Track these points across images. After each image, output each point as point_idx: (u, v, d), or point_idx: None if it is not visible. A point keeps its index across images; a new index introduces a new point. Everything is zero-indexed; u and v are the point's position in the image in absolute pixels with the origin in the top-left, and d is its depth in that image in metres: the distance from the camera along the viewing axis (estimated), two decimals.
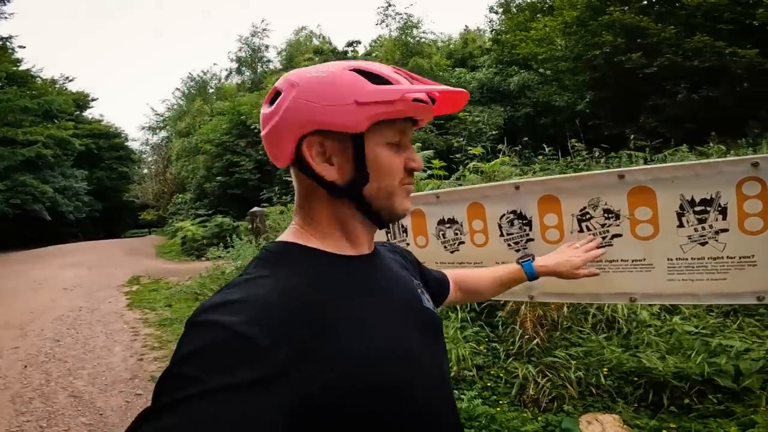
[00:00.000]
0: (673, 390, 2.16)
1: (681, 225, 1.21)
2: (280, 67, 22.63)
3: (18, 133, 17.92)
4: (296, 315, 0.48)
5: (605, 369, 2.33)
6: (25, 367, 4.07)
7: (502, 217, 1.45)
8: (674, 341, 2.37)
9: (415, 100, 0.55)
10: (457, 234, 1.59)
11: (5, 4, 13.86)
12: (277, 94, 0.58)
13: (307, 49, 21.01)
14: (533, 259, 1.09)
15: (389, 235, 1.88)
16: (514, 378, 2.55)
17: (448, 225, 1.62)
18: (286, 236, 0.62)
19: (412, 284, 0.71)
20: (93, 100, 29.33)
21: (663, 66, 9.64)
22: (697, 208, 1.18)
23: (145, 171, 31.73)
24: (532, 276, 1.04)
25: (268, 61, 24.08)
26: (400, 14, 15.16)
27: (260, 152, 13.56)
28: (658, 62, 9.64)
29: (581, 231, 1.32)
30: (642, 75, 9.95)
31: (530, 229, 1.41)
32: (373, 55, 18.05)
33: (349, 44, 21.53)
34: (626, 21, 9.94)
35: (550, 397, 2.37)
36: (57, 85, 25.66)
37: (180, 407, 0.40)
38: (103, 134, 27.76)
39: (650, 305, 2.60)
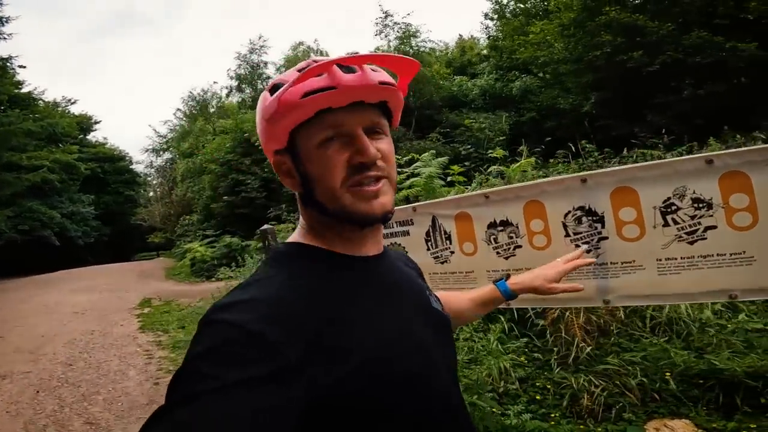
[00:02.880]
0: (747, 390, 1.99)
1: None
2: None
3: (23, 158, 17.74)
4: (307, 311, 0.49)
5: (668, 373, 2.15)
6: (38, 392, 3.92)
7: (567, 214, 1.30)
8: (743, 339, 2.19)
9: (306, 94, 0.51)
10: (512, 237, 1.43)
11: (3, 25, 13.84)
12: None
13: None
14: (507, 277, 0.98)
15: (429, 243, 1.73)
16: (564, 389, 2.37)
17: (500, 228, 1.46)
18: (294, 237, 0.63)
19: (420, 286, 0.71)
20: (96, 122, 29.68)
21: (665, 63, 9.58)
22: None
23: (151, 194, 31.90)
24: (507, 293, 0.94)
25: (268, 77, 24.30)
26: (399, 24, 15.25)
27: (266, 170, 13.50)
28: (659, 60, 9.59)
29: (666, 225, 1.16)
30: (645, 73, 9.87)
31: (603, 227, 1.25)
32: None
33: None
34: (623, 20, 9.90)
35: (606, 407, 2.20)
36: (59, 108, 25.84)
37: (194, 403, 0.39)
38: (108, 158, 27.97)
39: (712, 303, 2.42)
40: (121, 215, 28.25)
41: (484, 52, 17.99)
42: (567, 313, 2.55)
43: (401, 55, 0.57)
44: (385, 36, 15.79)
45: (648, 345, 2.35)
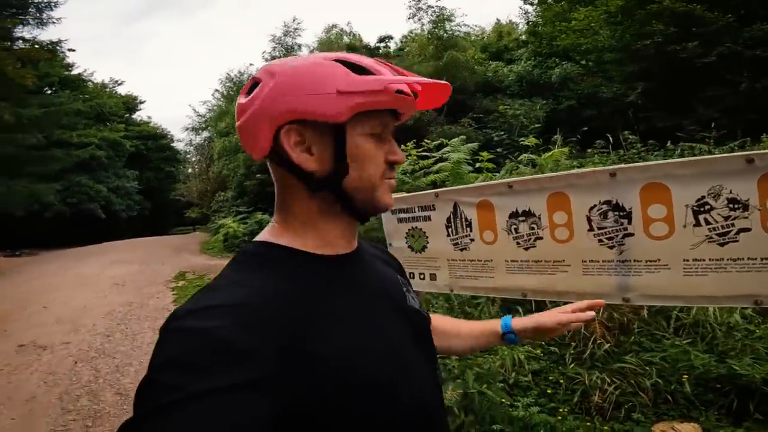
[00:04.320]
0: (763, 397, 1.92)
1: None
2: None
3: (72, 136, 19.17)
4: (278, 317, 0.47)
5: (686, 376, 2.09)
6: (76, 363, 4.13)
7: (592, 208, 1.27)
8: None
9: (398, 91, 0.53)
10: (533, 228, 1.42)
11: (52, 10, 14.34)
12: (256, 83, 0.56)
13: (339, 47, 21.06)
14: (513, 315, 0.90)
15: (450, 230, 1.73)
16: (576, 384, 2.35)
17: (522, 218, 1.44)
18: (264, 236, 0.59)
19: (397, 282, 0.69)
20: (141, 102, 30.97)
21: (722, 55, 8.94)
22: None
23: (190, 170, 33.09)
24: (507, 328, 0.85)
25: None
26: (432, 7, 14.86)
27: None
28: (716, 51, 8.95)
29: (698, 225, 1.12)
30: (699, 65, 9.26)
31: (629, 223, 1.21)
32: (405, 50, 17.83)
33: (381, 40, 21.35)
34: (678, 9, 9.27)
35: (616, 405, 2.17)
36: (107, 89, 27.25)
37: (163, 415, 0.38)
38: (151, 136, 29.22)
39: (742, 307, 2.31)
40: (160, 190, 29.60)
41: (523, 37, 17.29)
42: None
43: (444, 82, 0.60)
44: (419, 19, 15.45)
45: (669, 346, 2.29)
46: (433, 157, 4.56)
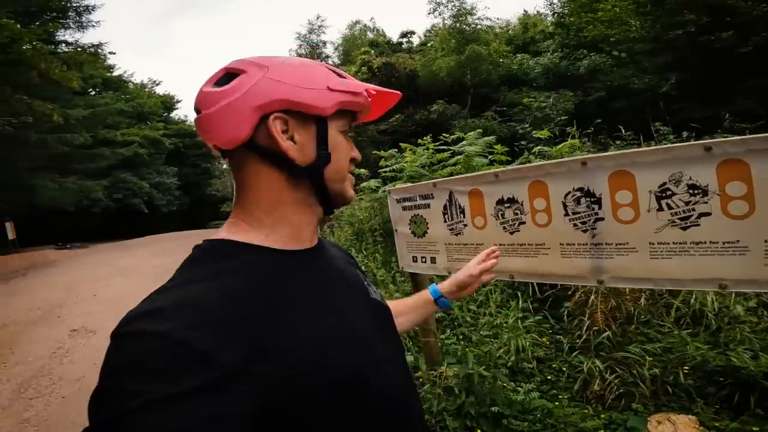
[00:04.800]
0: (764, 392, 1.92)
1: None
2: (339, 62, 23.14)
3: (117, 135, 20.49)
4: (240, 314, 0.46)
5: (686, 367, 2.12)
6: None
7: (567, 195, 1.37)
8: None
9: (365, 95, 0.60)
10: (517, 214, 1.53)
11: (91, 13, 15.16)
12: (232, 74, 0.57)
13: (363, 43, 21.23)
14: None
15: (446, 216, 1.87)
16: (579, 373, 2.41)
17: (507, 205, 1.56)
18: (221, 233, 0.58)
19: (358, 276, 0.71)
20: (178, 101, 32.44)
21: (759, 45, 8.48)
22: None
23: (224, 166, 34.33)
24: (435, 292, 0.96)
25: (327, 57, 24.76)
26: (453, 1, 14.78)
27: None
28: (753, 41, 8.49)
29: (660, 209, 1.20)
30: (736, 55, 8.81)
31: (599, 208, 1.31)
32: (429, 45, 17.78)
33: (403, 35, 21.42)
34: (710, 0, 8.86)
35: (617, 395, 2.22)
36: (146, 89, 28.75)
37: (122, 423, 0.37)
38: (188, 133, 30.52)
39: (745, 298, 2.30)
40: (197, 186, 31.02)
41: (550, 29, 16.88)
42: (592, 298, 2.56)
43: (395, 91, 0.69)
44: (439, 14, 15.42)
45: (671, 337, 2.31)
46: (449, 150, 4.65)
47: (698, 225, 1.17)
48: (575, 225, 1.37)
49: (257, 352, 0.45)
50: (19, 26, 9.03)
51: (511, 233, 1.56)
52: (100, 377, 0.40)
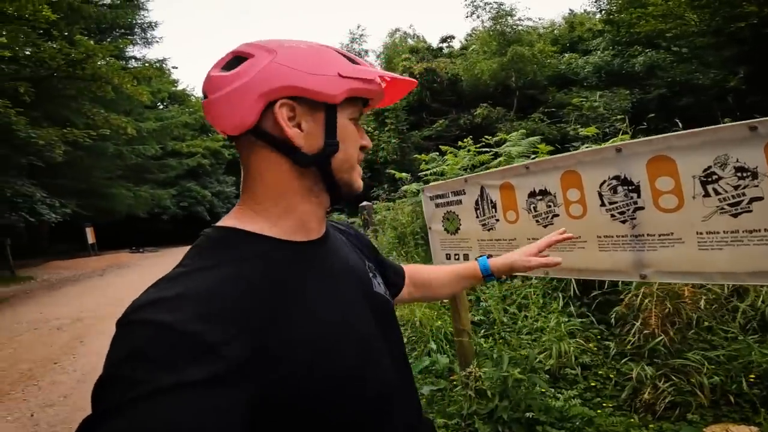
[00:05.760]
0: None
1: None
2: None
3: (183, 146, 22.21)
4: (244, 307, 0.46)
5: (752, 375, 1.91)
6: None
7: (602, 184, 1.31)
8: None
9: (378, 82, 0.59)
10: (550, 206, 1.49)
11: (154, 29, 16.20)
12: (240, 58, 0.55)
13: (403, 50, 21.42)
14: (490, 256, 0.96)
15: (478, 211, 1.84)
16: (628, 380, 2.25)
17: (539, 197, 1.52)
18: (227, 220, 0.57)
19: (364, 267, 0.69)
20: None
21: None
22: None
23: None
24: (485, 269, 0.92)
25: (370, 64, 25.23)
26: (490, 4, 14.55)
27: (370, 152, 14.32)
28: None
29: (707, 195, 1.12)
30: None
31: (638, 196, 1.24)
32: (470, 48, 17.57)
33: (443, 40, 21.34)
34: None
35: (669, 404, 2.05)
36: None
37: (126, 411, 0.36)
38: None
39: None
40: None
41: (598, 27, 16.11)
42: (645, 301, 2.38)
43: (410, 79, 0.68)
44: (477, 17, 15.25)
45: (737, 343, 2.09)
46: (491, 151, 4.56)
47: (750, 211, 1.07)
48: (613, 216, 1.30)
49: (260, 347, 0.45)
50: (92, 42, 10.07)
51: (545, 227, 1.51)
52: (104, 365, 0.40)
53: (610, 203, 1.30)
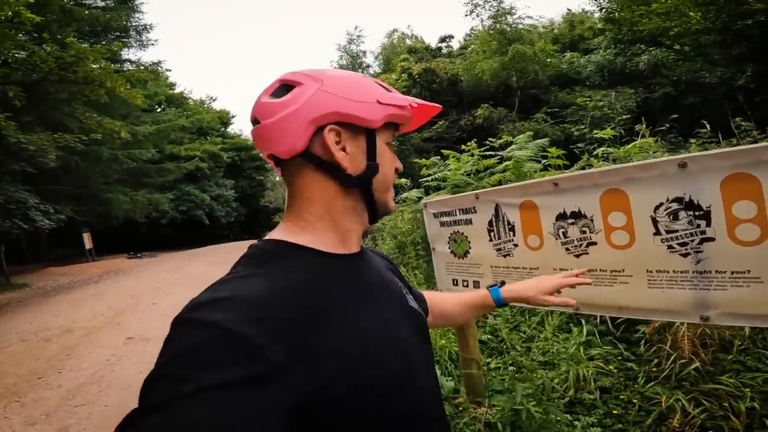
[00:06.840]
0: None
1: None
2: (380, 70, 23.28)
3: (180, 150, 21.95)
4: (290, 312, 0.48)
5: None
6: None
7: (658, 207, 1.04)
8: None
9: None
10: (585, 232, 1.21)
11: (149, 32, 16.07)
12: (289, 86, 0.59)
13: (402, 50, 21.18)
14: (502, 284, 0.96)
15: (492, 234, 1.57)
16: (654, 405, 2.01)
17: (571, 220, 1.25)
18: (275, 234, 0.61)
19: (397, 283, 0.71)
20: (233, 116, 34.37)
21: None
22: None
23: (277, 178, 35.84)
24: (498, 301, 0.93)
25: (368, 66, 25.07)
26: (490, 2, 14.30)
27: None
28: None
29: None
30: None
31: (708, 225, 0.97)
32: (470, 48, 17.32)
33: (442, 40, 21.10)
34: None
35: (700, 429, 1.81)
36: (204, 105, 30.74)
37: (170, 407, 0.38)
38: (244, 147, 32.23)
39: None
40: (253, 197, 32.54)
41: (599, 25, 15.90)
42: (677, 324, 2.11)
43: (436, 105, 0.70)
44: (477, 15, 14.99)
45: None
46: (497, 155, 4.29)
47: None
48: (671, 247, 1.03)
49: (302, 351, 0.46)
50: (84, 45, 9.80)
51: (577, 256, 1.24)
52: (156, 362, 0.42)
53: (668, 232, 1.03)
